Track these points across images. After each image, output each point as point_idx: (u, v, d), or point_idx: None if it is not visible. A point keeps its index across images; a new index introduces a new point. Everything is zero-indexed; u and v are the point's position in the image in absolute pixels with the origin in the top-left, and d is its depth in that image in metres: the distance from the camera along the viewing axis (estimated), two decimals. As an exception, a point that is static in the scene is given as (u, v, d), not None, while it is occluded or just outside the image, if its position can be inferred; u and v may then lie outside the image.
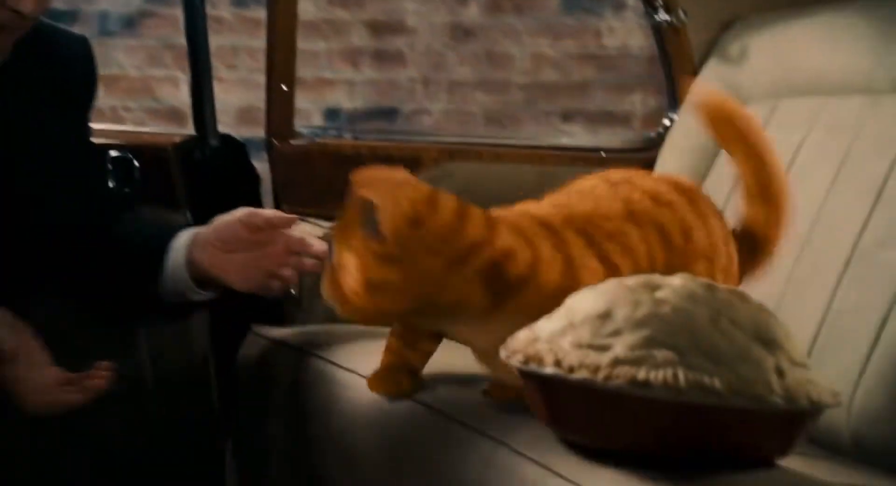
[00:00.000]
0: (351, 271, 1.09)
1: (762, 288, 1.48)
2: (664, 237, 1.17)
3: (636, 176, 1.23)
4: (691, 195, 1.22)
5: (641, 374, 0.91)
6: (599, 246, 1.13)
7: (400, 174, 1.13)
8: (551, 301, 1.05)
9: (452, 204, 1.11)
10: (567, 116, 3.49)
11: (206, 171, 1.73)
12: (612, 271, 1.12)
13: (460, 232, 1.09)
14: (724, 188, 1.68)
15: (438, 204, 1.10)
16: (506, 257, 1.09)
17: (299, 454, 1.44)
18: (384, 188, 1.09)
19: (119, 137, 1.81)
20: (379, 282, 1.08)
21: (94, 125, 1.59)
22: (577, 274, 1.10)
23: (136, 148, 1.74)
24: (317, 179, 1.75)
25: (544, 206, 1.18)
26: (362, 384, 1.32)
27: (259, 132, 1.81)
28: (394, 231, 1.07)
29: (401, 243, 1.07)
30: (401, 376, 1.22)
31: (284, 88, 1.78)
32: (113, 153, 1.74)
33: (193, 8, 1.73)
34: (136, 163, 1.72)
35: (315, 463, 1.40)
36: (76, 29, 3.44)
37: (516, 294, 1.09)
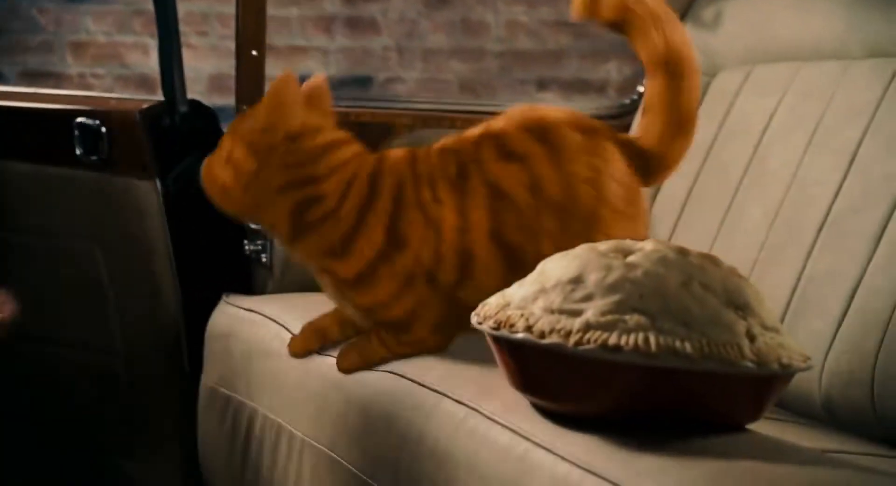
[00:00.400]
0: (222, 146, 1.22)
1: (736, 253, 1.48)
2: (498, 197, 1.18)
3: (510, 124, 1.22)
4: (553, 142, 1.20)
5: (613, 339, 0.91)
6: (400, 213, 1.20)
7: (321, 95, 1.27)
8: (332, 252, 1.20)
9: (330, 137, 1.22)
10: (542, 84, 3.48)
11: (175, 138, 1.71)
12: (398, 244, 1.19)
13: (311, 163, 1.20)
14: (699, 154, 1.67)
15: (320, 132, 1.22)
16: (314, 199, 1.19)
17: (269, 419, 1.44)
18: (286, 98, 1.21)
19: (86, 103, 1.78)
20: (235, 162, 1.20)
21: (62, 91, 1.57)
22: (355, 237, 1.20)
23: (103, 114, 1.72)
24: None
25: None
26: (333, 353, 1.31)
27: (231, 101, 1.78)
28: (269, 131, 1.19)
29: (268, 145, 1.19)
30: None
31: (255, 53, 1.75)
32: (80, 119, 1.71)
33: None
34: (104, 129, 1.70)
35: (284, 431, 1.39)
36: (43, -6, 3.35)
37: (306, 237, 1.20)
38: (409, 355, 1.23)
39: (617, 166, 1.21)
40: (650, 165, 1.25)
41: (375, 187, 1.21)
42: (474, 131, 1.24)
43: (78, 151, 1.71)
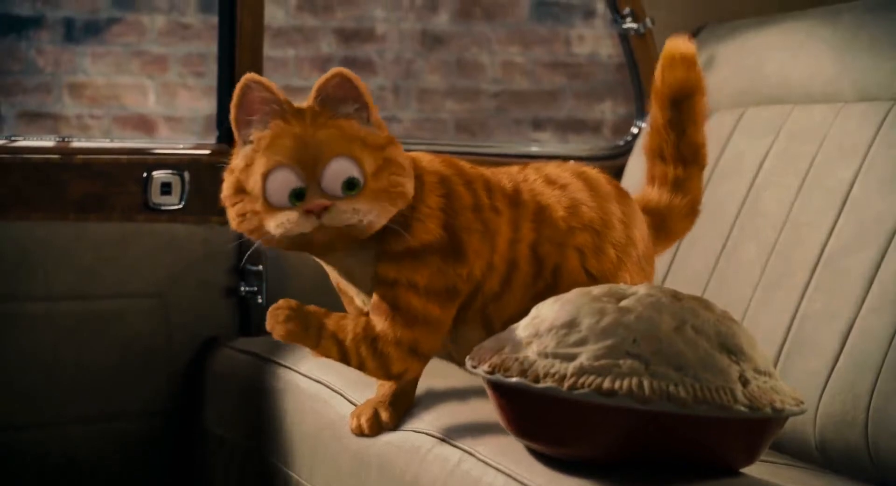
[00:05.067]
0: (376, 154, 1.10)
1: (730, 292, 1.49)
2: (541, 213, 1.18)
3: (549, 164, 1.25)
4: (590, 182, 1.23)
5: (607, 383, 0.91)
6: (454, 213, 1.15)
7: None
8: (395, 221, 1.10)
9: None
10: (537, 124, 3.50)
11: None
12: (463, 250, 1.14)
13: (380, 130, 1.14)
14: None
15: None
16: (392, 163, 1.12)
17: (264, 461, 1.43)
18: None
19: (147, 152, 1.71)
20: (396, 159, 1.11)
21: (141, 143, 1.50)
22: (411, 220, 1.12)
23: (182, 163, 1.69)
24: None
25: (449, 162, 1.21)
26: (329, 395, 1.31)
27: (227, 141, 1.79)
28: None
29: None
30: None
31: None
32: (158, 172, 1.66)
33: (230, 17, 1.72)
34: (183, 176, 1.68)
35: (280, 473, 1.39)
36: (41, 35, 3.40)
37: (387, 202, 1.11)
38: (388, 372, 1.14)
39: (641, 224, 1.25)
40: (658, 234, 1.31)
41: (420, 177, 1.15)
42: (513, 167, 1.25)
43: (153, 202, 1.67)
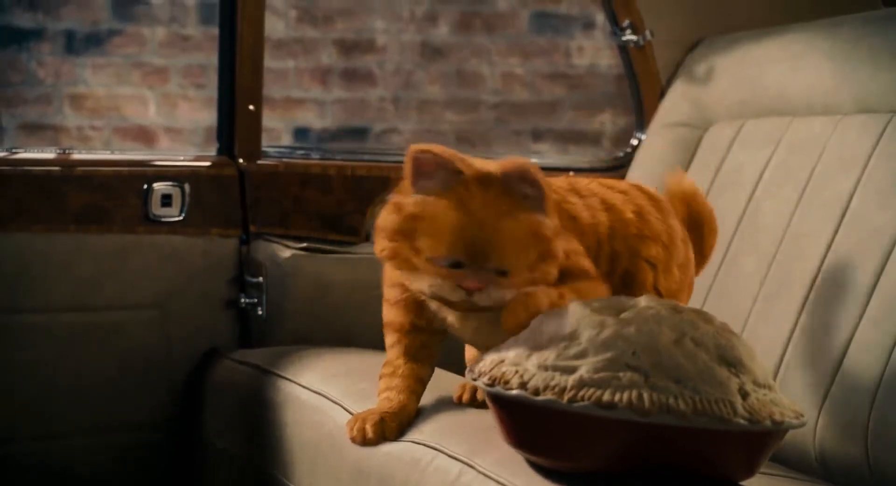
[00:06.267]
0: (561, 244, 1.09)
1: (730, 304, 1.49)
2: (610, 208, 1.19)
3: (604, 180, 1.26)
4: (649, 193, 1.24)
5: (607, 396, 0.91)
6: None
7: None
8: None
9: None
10: (537, 135, 3.50)
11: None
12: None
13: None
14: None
15: None
16: None
17: (264, 472, 1.43)
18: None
19: (147, 164, 1.70)
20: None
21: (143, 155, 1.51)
22: None
23: (186, 175, 1.69)
24: (286, 200, 1.74)
25: None
26: (329, 406, 1.31)
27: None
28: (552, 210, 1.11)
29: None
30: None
31: (252, 108, 1.77)
32: (159, 184, 1.67)
33: (231, 29, 1.72)
34: (184, 188, 1.68)
35: (279, 482, 1.39)
36: (42, 47, 3.41)
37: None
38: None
39: (691, 246, 1.27)
40: None
41: None
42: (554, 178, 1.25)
43: (153, 214, 1.67)
